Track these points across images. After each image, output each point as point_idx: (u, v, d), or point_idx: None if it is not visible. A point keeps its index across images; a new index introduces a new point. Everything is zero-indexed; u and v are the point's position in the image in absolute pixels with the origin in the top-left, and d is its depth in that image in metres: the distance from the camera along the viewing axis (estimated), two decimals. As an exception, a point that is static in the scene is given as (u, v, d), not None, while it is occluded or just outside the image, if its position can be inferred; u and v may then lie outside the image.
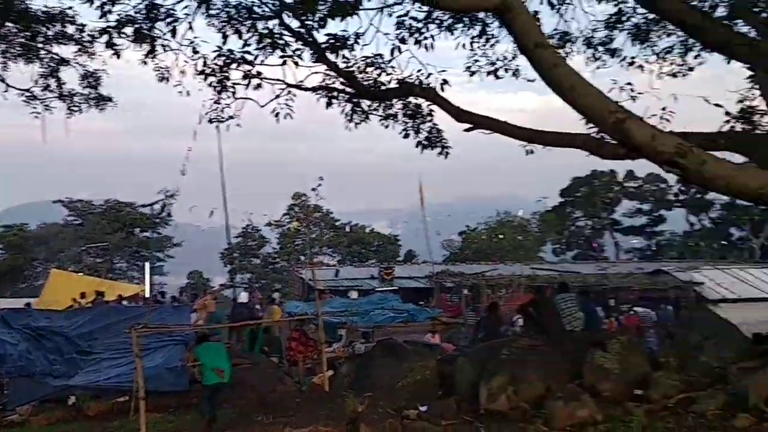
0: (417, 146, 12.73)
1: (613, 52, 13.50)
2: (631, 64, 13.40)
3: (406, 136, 12.99)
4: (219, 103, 12.45)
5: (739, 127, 9.64)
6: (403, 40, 10.84)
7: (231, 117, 12.40)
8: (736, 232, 60.36)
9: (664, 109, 7.78)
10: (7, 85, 13.55)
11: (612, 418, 8.26)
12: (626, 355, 9.85)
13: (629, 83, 8.64)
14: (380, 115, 12.92)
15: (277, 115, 12.20)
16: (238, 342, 14.81)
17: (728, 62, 10.28)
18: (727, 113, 9.29)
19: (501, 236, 54.03)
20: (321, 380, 12.22)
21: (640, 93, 10.72)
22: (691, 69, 13.61)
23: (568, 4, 12.73)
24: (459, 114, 10.50)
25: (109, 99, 15.18)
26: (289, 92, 12.16)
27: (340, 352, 14.25)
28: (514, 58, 12.75)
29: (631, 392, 9.29)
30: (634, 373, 9.63)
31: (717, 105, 10.37)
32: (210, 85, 11.55)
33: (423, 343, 13.67)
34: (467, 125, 10.45)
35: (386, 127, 13.19)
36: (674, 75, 13.64)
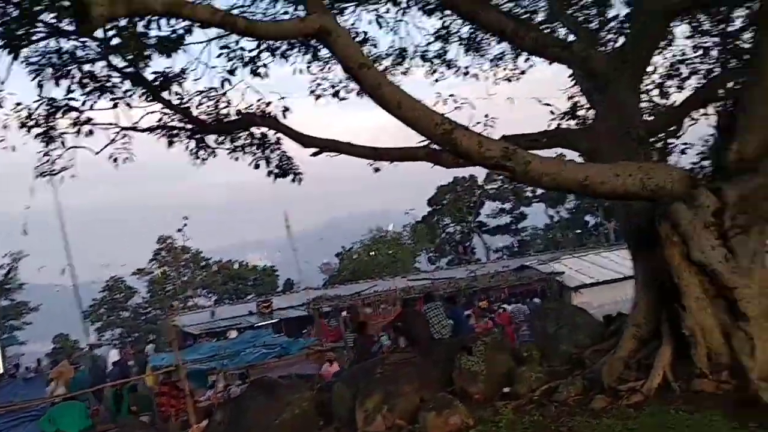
0: (268, 175, 12.53)
1: (449, 64, 13.97)
2: (466, 73, 13.93)
3: (257, 166, 12.76)
4: (49, 155, 11.65)
5: (567, 123, 10.27)
6: (232, 72, 10.62)
7: (64, 168, 11.59)
8: (592, 219, 64.74)
9: (486, 116, 8.12)
10: None
11: (483, 420, 8.40)
12: (492, 356, 10.13)
13: (452, 94, 8.97)
14: (227, 148, 12.63)
15: (115, 160, 11.61)
16: (100, 404, 13.78)
17: (549, 64, 10.96)
18: (552, 112, 9.88)
19: (374, 253, 54.56)
20: (197, 431, 11.62)
21: (482, 98, 11.20)
22: (523, 72, 14.37)
23: (400, 21, 13.04)
24: (302, 140, 10.44)
25: None
26: (125, 135, 11.61)
27: (215, 399, 13.64)
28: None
29: (500, 391, 9.55)
30: (500, 371, 9.92)
31: (546, 104, 11.03)
32: (36, 137, 10.75)
33: (298, 375, 13.39)
34: (313, 150, 10.42)
35: (236, 159, 12.92)
36: (509, 80, 14.32)
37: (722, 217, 7.76)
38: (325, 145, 10.44)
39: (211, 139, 12.32)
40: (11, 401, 12.31)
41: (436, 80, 14.01)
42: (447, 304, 13.42)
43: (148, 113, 11.52)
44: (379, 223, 65.43)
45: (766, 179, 7.58)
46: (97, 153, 11.21)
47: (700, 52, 10.07)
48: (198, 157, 12.50)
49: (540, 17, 11.52)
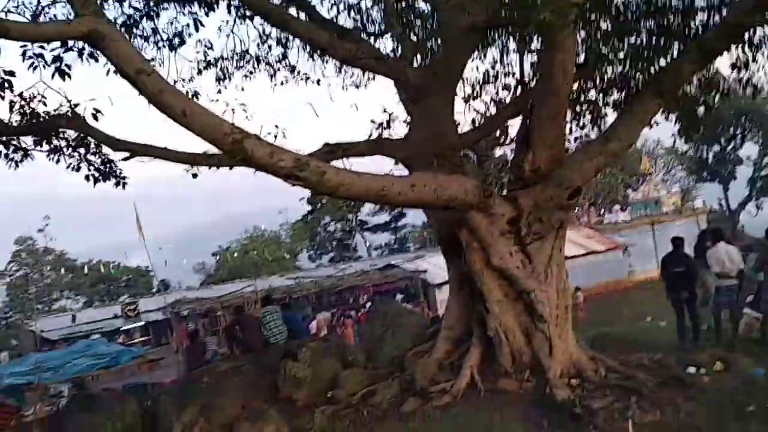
0: (87, 179, 11.88)
1: (292, 69, 13.77)
2: (308, 78, 13.80)
3: (77, 169, 12.09)
4: None
5: (389, 133, 10.42)
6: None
7: None
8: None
9: (276, 126, 8.08)
10: None
11: (297, 428, 8.39)
12: (318, 360, 10.14)
13: (242, 103, 8.81)
14: (45, 150, 11.86)
15: None
16: None
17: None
18: (373, 121, 10.01)
19: (252, 252, 53.73)
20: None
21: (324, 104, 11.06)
22: (373, 78, 14.45)
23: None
24: (114, 143, 9.97)
25: None
26: None
27: (43, 414, 12.85)
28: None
29: (325, 396, 9.59)
30: (326, 376, 9.94)
31: (367, 113, 11.13)
32: None
33: (137, 385, 12.86)
34: (124, 154, 10.00)
35: (57, 162, 12.18)
36: (357, 86, 14.35)
37: (518, 224, 8.14)
38: (139, 150, 10.04)
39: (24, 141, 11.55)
40: None
41: (280, 83, 13.78)
42: (284, 309, 13.33)
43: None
44: (257, 223, 64.56)
45: (556, 190, 8.01)
46: None
47: (509, 67, 10.53)
48: (12, 160, 11.71)
49: (371, 29, 11.59)
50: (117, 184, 12.37)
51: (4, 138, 10.74)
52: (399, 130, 10.71)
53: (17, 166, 11.94)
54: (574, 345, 8.50)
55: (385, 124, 9.96)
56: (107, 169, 12.12)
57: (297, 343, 10.71)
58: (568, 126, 9.27)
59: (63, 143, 11.29)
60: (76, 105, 9.62)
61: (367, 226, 68.66)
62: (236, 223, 63.14)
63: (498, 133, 10.99)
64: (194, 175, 9.87)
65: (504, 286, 8.35)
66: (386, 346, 10.23)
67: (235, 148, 6.80)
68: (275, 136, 7.49)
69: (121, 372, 13.68)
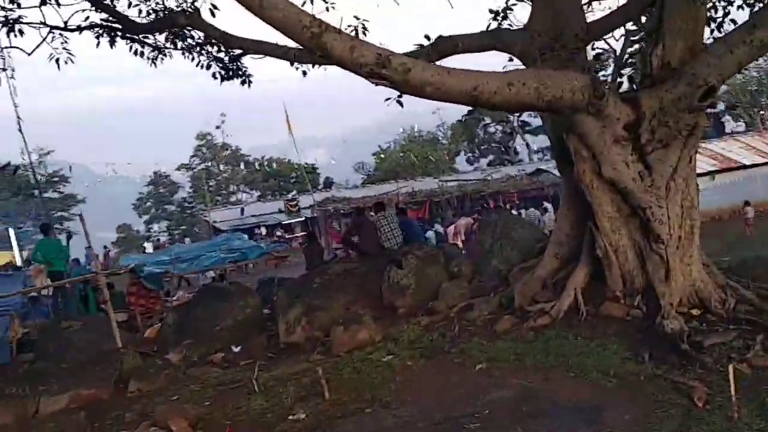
0: (213, 77, 12.12)
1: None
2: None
3: (208, 67, 12.34)
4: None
5: (509, 24, 9.38)
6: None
7: (3, 69, 11.46)
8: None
9: (357, 17, 7.32)
10: None
11: (388, 337, 8.23)
12: (423, 269, 9.84)
13: None
14: (177, 49, 12.19)
15: (57, 60, 11.32)
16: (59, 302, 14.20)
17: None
18: (491, 10, 8.98)
19: (406, 152, 53.97)
20: (152, 333, 11.93)
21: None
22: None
23: None
24: (228, 40, 9.92)
25: None
26: (62, 35, 11.28)
27: (185, 300, 13.93)
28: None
29: (426, 304, 9.33)
30: (429, 286, 9.65)
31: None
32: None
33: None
34: (237, 51, 9.93)
35: (192, 60, 12.50)
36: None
37: (638, 130, 7.02)
38: (250, 47, 9.93)
39: (154, 38, 11.90)
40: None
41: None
42: (400, 215, 13.08)
43: (76, 12, 11.11)
44: (429, 124, 64.33)
45: (686, 89, 6.73)
46: (29, 54, 10.93)
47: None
48: (147, 58, 12.16)
49: None
50: (243, 82, 12.55)
51: (136, 36, 11.11)
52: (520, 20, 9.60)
53: (154, 64, 12.45)
54: (700, 270, 7.37)
55: (502, 13, 8.90)
56: (234, 68, 12.30)
57: (405, 250, 10.43)
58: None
59: (194, 42, 11.52)
60: (194, 1, 9.63)
61: (529, 128, 66.06)
62: (397, 123, 63.50)
63: (631, 24, 9.46)
64: (304, 73, 9.62)
65: (617, 200, 7.35)
66: (494, 258, 9.66)
67: (313, 43, 6.34)
68: (355, 30, 6.87)
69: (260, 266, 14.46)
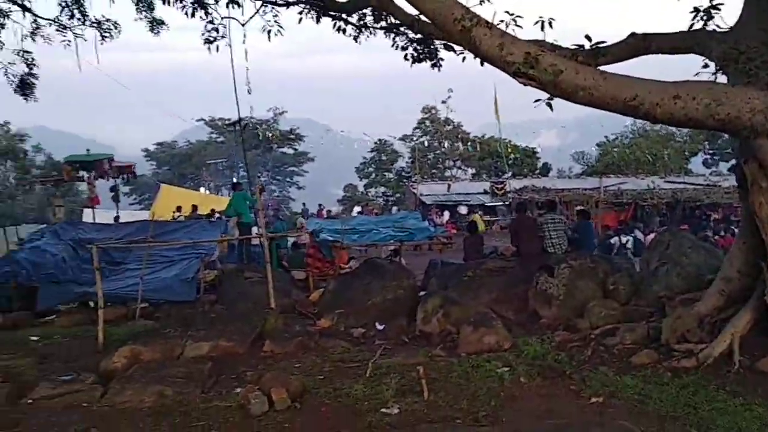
0: (405, 59, 12.27)
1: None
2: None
3: (404, 48, 12.53)
4: (212, 23, 12.72)
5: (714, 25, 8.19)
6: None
7: (221, 37, 12.62)
8: None
9: (509, 13, 6.67)
10: (35, 14, 14.48)
11: (515, 346, 7.84)
12: (574, 281, 9.19)
13: None
14: (381, 28, 12.55)
15: (269, 32, 12.20)
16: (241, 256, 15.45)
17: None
18: (697, 9, 7.87)
19: (635, 147, 50.37)
20: (315, 296, 12.60)
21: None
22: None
23: None
24: (413, 23, 9.94)
25: (162, 22, 15.53)
26: (273, 9, 12.13)
27: (353, 269, 14.46)
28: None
29: (570, 320, 8.74)
30: (579, 300, 9.02)
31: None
32: (183, 7, 11.77)
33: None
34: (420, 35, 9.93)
35: (393, 41, 12.77)
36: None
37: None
38: (432, 32, 9.86)
39: (356, 18, 12.32)
40: (191, 239, 14.38)
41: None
42: (580, 216, 12.16)
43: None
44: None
45: None
46: (243, 24, 11.92)
47: None
48: (348, 34, 12.64)
49: None
50: (434, 65, 12.57)
51: (340, 14, 11.62)
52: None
53: (356, 40, 12.94)
54: None
55: (703, 14, 7.79)
56: (425, 51, 12.35)
57: (560, 257, 9.80)
58: None
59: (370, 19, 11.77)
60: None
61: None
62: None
63: None
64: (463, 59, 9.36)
65: (797, 242, 6.21)
66: (656, 283, 8.70)
67: (463, 37, 6.15)
68: (506, 24, 6.42)
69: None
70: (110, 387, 6.89)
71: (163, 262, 13.95)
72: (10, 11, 14.70)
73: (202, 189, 42.88)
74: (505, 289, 9.87)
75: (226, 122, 57.86)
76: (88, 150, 28.87)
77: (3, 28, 14.77)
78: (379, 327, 10.19)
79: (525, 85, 6.10)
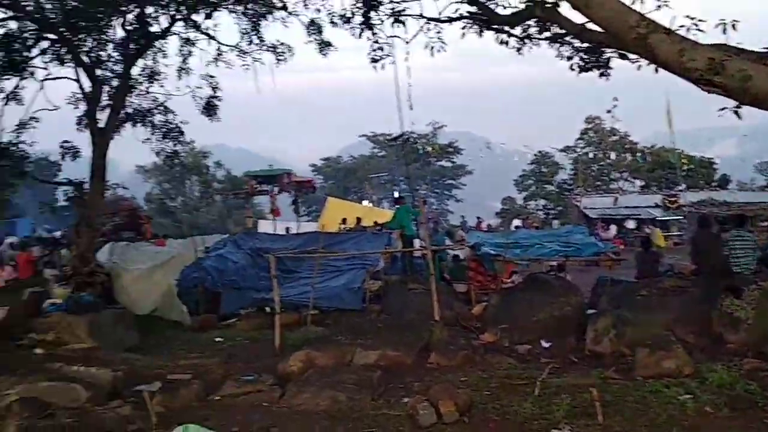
0: (571, 69, 11.96)
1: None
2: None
3: (570, 58, 12.23)
4: (378, 42, 13.13)
5: None
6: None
7: (386, 55, 13.00)
8: None
9: (689, 17, 6.07)
10: (219, 42, 15.82)
11: (698, 372, 7.28)
12: (765, 304, 8.39)
13: None
14: (544, 39, 12.35)
15: (432, 49, 12.42)
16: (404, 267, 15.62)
17: None
18: None
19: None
20: (478, 310, 12.55)
21: None
22: None
23: None
24: (579, 32, 9.67)
25: (329, 44, 16.38)
26: (436, 25, 12.32)
27: (515, 284, 14.19)
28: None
29: (761, 347, 7.98)
30: (769, 325, 8.20)
31: None
32: (351, 29, 12.28)
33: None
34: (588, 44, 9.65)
35: (558, 51, 12.54)
36: None
37: None
38: (603, 40, 9.51)
39: (519, 30, 12.19)
40: (358, 250, 14.94)
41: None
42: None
43: (452, 3, 11.95)
44: None
45: None
46: (407, 42, 12.22)
47: None
48: (514, 48, 12.54)
49: None
50: (602, 74, 12.13)
51: (503, 27, 11.59)
52: None
53: (519, 51, 12.81)
54: None
55: None
56: (593, 60, 11.97)
57: (748, 278, 8.99)
58: None
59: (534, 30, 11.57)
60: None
61: None
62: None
63: None
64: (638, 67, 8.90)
65: None
66: None
67: (639, 44, 5.91)
68: (687, 29, 5.97)
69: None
70: (288, 389, 7.31)
71: (332, 272, 14.58)
72: (197, 40, 16.22)
73: (365, 202, 44.27)
74: (684, 311, 9.21)
75: (388, 137, 59.77)
76: (270, 165, 31.18)
77: (191, 55, 16.38)
78: (545, 344, 9.95)
79: (709, 92, 5.71)
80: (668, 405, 6.45)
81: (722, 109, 6.04)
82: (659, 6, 6.67)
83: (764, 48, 6.66)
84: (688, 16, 5.93)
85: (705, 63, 5.49)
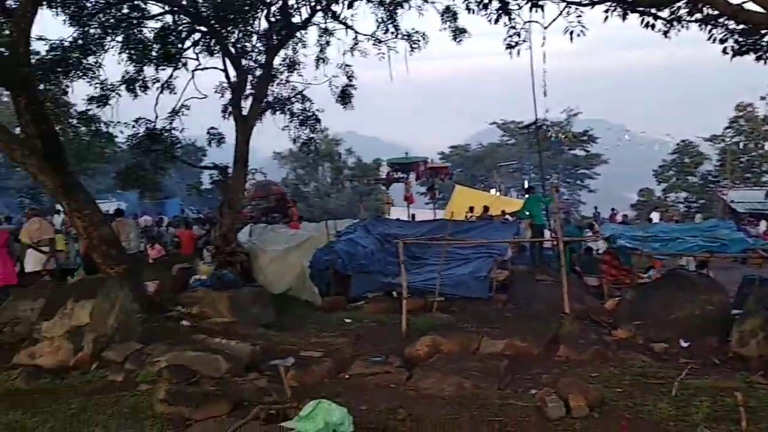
0: (724, 52, 11.21)
1: None
2: None
3: (723, 41, 11.47)
4: (514, 28, 12.91)
5: None
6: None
7: (522, 41, 12.77)
8: None
9: None
10: (356, 31, 16.16)
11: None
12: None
13: None
14: (695, 20, 11.67)
15: (571, 33, 12.05)
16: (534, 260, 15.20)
17: None
18: None
19: None
20: (611, 305, 12.09)
21: None
22: None
23: None
24: (735, 13, 9.06)
25: (464, 30, 16.25)
26: (577, 9, 11.94)
27: (652, 280, 13.47)
28: None
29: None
30: None
31: None
32: (488, 14, 12.13)
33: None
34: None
35: (710, 33, 11.80)
36: None
37: None
38: (761, 20, 8.83)
39: (667, 13, 11.59)
40: (486, 238, 14.86)
41: None
42: None
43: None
44: None
45: None
46: (546, 27, 11.93)
47: None
48: (659, 29, 11.93)
49: None
50: (758, 58, 11.29)
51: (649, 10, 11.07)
52: None
53: (666, 35, 12.16)
54: None
55: None
56: (746, 42, 11.18)
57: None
58: None
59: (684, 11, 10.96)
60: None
61: None
62: None
63: None
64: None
65: None
66: None
67: None
68: None
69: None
70: (414, 372, 7.43)
71: (459, 260, 14.58)
72: (335, 30, 16.69)
73: (492, 190, 43.74)
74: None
75: (519, 125, 58.54)
76: (406, 153, 31.75)
77: (328, 45, 16.88)
78: (684, 344, 9.44)
79: None
80: (823, 417, 5.95)
81: None
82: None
83: None
84: None
85: None
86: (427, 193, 33.86)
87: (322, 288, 13.92)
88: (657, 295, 10.94)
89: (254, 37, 15.93)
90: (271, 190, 27.49)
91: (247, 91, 15.57)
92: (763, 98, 57.15)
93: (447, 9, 15.54)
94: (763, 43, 10.81)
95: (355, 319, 11.83)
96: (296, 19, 15.69)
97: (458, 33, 15.93)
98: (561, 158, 60.20)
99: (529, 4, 11.88)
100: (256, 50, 16.09)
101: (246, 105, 15.12)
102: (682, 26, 11.92)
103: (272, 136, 18.40)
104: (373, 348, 9.09)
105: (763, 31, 10.19)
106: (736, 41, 10.93)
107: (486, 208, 24.67)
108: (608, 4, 11.41)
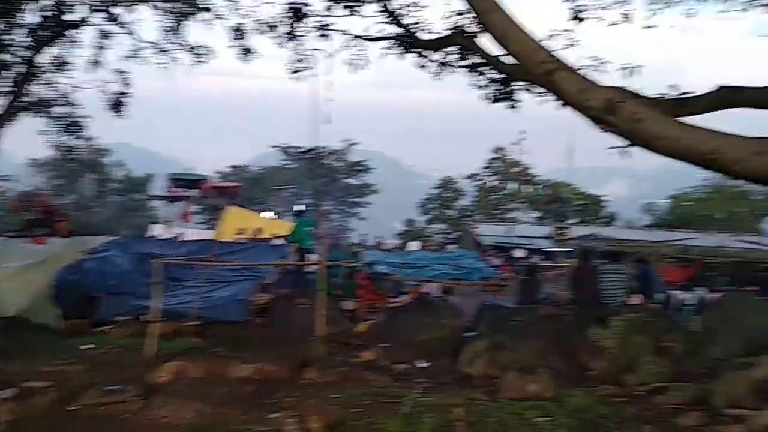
0: (484, 99, 12.38)
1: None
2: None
3: (484, 88, 12.63)
4: (300, 54, 13.09)
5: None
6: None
7: (308, 68, 12.99)
8: None
9: (596, 58, 6.62)
10: (137, 38, 15.38)
11: (558, 397, 7.62)
12: (628, 335, 8.93)
13: (567, 29, 7.44)
14: (464, 66, 12.62)
15: (353, 65, 12.49)
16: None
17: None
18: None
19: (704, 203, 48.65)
20: (363, 327, 12.61)
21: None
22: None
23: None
24: (496, 63, 10.04)
25: (250, 51, 16.02)
26: (360, 44, 12.44)
27: (404, 304, 14.41)
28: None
29: (620, 375, 8.47)
30: (631, 355, 8.73)
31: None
32: (276, 37, 12.25)
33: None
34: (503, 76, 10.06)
35: (474, 80, 12.80)
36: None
37: None
38: (515, 72, 9.90)
39: (440, 55, 12.47)
40: (251, 261, 14.69)
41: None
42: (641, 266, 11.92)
43: (376, 23, 12.11)
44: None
45: None
46: (329, 55, 12.32)
47: None
48: (432, 72, 12.79)
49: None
50: (512, 106, 12.58)
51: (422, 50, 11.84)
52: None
53: (437, 77, 13.05)
54: None
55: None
56: (504, 91, 12.40)
57: (616, 310, 9.55)
58: None
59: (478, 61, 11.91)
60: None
61: None
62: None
63: None
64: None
65: None
66: (713, 342, 8.35)
67: (545, 79, 6.23)
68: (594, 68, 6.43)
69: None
70: (152, 400, 7.06)
71: (221, 282, 14.25)
72: (116, 34, 15.65)
73: (268, 213, 43.61)
74: (556, 338, 9.63)
75: (299, 150, 59.41)
76: (185, 169, 30.51)
77: (103, 48, 15.73)
78: (423, 364, 10.12)
79: (604, 131, 6.10)
80: (527, 426, 6.72)
81: (612, 147, 6.44)
82: (570, 45, 7.07)
83: (659, 94, 7.18)
84: (594, 57, 6.31)
85: (602, 103, 5.86)
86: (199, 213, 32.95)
87: (67, 310, 12.74)
88: (406, 319, 11.66)
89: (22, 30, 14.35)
90: (35, 202, 24.67)
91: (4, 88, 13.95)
92: (515, 144, 64.46)
93: (237, 28, 15.27)
94: (513, 93, 12.13)
95: (98, 344, 10.96)
96: (72, 17, 14.45)
97: (246, 53, 15.76)
98: (336, 186, 62.05)
99: (317, 33, 12.22)
100: (23, 45, 14.50)
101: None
102: (451, 71, 12.93)
103: (28, 141, 16.71)
104: (112, 376, 8.47)
105: (514, 82, 11.39)
106: (495, 89, 12.14)
107: (258, 231, 24.50)
108: (389, 42, 12.08)
